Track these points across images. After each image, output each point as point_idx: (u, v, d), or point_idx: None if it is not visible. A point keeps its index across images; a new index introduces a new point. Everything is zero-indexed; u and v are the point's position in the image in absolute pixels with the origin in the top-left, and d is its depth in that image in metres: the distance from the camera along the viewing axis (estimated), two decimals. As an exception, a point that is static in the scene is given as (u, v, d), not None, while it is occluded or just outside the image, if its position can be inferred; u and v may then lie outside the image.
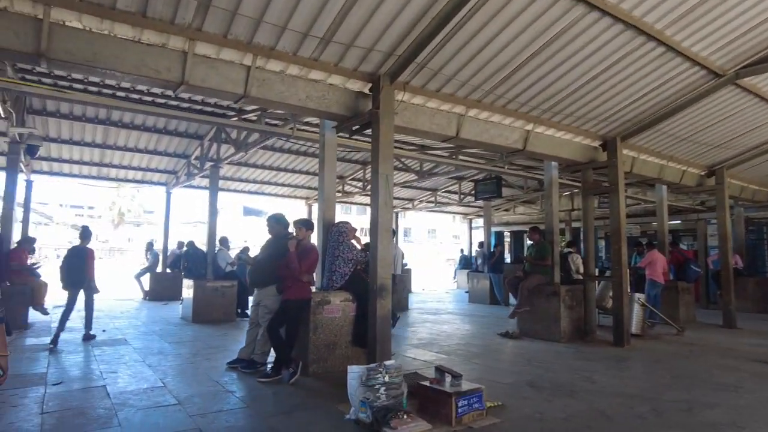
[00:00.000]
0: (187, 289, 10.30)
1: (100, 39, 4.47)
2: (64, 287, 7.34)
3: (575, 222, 19.22)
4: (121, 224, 54.89)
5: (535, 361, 6.54)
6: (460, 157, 11.31)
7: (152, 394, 4.74)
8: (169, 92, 7.85)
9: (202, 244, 11.81)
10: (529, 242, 9.24)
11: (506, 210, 20.32)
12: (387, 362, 4.07)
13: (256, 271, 6.00)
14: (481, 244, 16.35)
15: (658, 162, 9.50)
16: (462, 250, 21.81)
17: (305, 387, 5.11)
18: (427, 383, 4.23)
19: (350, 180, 14.86)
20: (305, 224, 5.76)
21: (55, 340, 6.89)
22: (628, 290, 9.14)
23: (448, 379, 4.15)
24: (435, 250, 62.89)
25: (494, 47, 5.58)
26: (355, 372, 4.01)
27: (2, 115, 7.58)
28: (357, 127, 5.90)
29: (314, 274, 5.90)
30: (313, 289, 5.90)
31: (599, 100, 7.07)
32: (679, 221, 17.03)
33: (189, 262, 11.18)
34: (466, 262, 19.14)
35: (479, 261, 15.69)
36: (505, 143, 7.18)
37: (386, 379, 3.91)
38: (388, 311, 5.42)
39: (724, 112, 8.19)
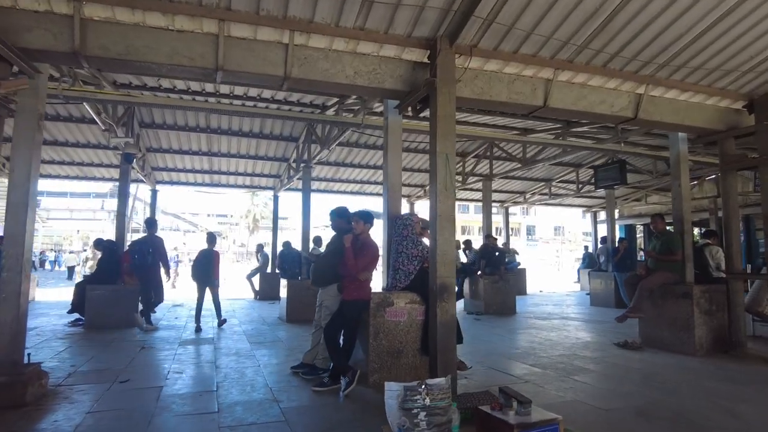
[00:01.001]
0: (283, 288, 10.34)
1: (132, 31, 4.33)
2: (195, 282, 8.63)
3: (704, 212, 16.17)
4: (257, 230, 59.61)
5: (655, 380, 5.18)
6: (569, 138, 9.94)
7: (199, 399, 4.48)
8: (267, 94, 7.90)
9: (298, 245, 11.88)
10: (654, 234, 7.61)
11: (637, 200, 17.80)
12: (431, 381, 3.26)
13: (318, 269, 5.54)
14: (604, 240, 14.41)
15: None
16: (586, 248, 19.66)
17: (360, 399, 4.49)
18: (487, 408, 3.35)
19: (450, 174, 13.99)
20: (364, 216, 5.14)
21: (198, 328, 8.28)
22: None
23: (514, 404, 3.23)
24: (561, 248, 58.72)
25: (579, -13, 4.47)
26: (393, 390, 3.27)
27: (102, 127, 8.16)
28: (419, 104, 5.14)
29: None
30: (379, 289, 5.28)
31: (738, 45, 5.42)
32: None
33: (284, 262, 11.28)
34: (590, 261, 17.09)
35: (602, 259, 13.79)
36: (609, 111, 5.88)
37: (427, 402, 3.12)
38: (453, 316, 4.57)
39: None
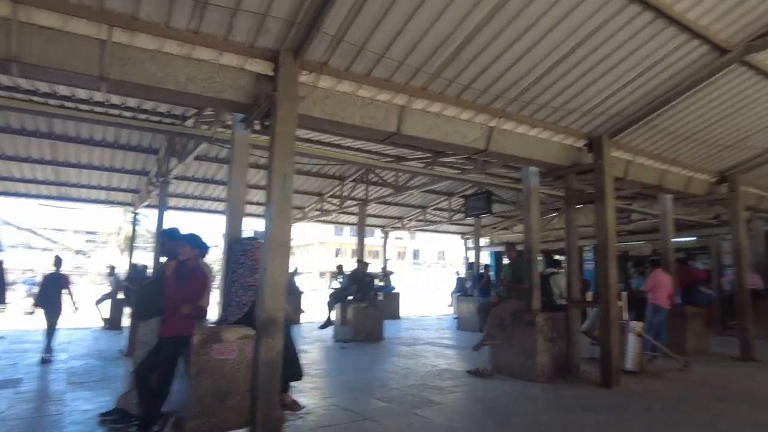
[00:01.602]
0: (127, 317, 9.17)
1: None
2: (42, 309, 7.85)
3: (585, 240, 17.82)
4: (129, 249, 54.32)
5: (498, 411, 5.20)
6: (437, 168, 10.16)
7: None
8: (116, 100, 6.94)
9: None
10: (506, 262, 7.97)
11: (505, 228, 18.93)
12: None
13: (140, 299, 4.83)
14: (471, 266, 15.00)
15: (658, 166, 8.16)
16: (458, 273, 20.41)
17: (170, 454, 3.87)
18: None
19: (329, 197, 13.70)
20: (190, 240, 4.56)
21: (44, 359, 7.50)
22: (624, 317, 7.81)
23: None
24: (442, 272, 61.23)
25: (429, 14, 4.45)
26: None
27: None
28: (266, 119, 4.75)
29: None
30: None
31: (578, 86, 5.85)
32: (694, 237, 15.51)
33: (130, 287, 10.06)
34: (461, 286, 17.74)
35: (469, 284, 14.31)
36: (462, 142, 5.97)
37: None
38: (278, 353, 4.15)
39: (733, 103, 6.88)
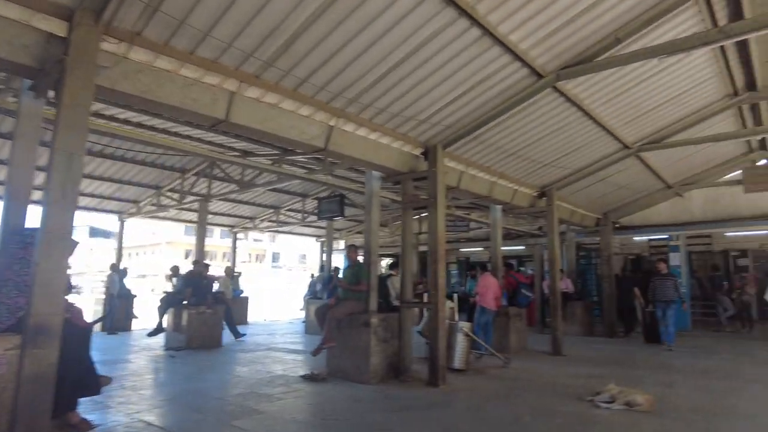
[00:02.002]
0: None
1: None
2: None
3: (424, 246, 18.82)
4: None
5: (323, 416, 5.05)
6: (285, 166, 9.82)
7: None
8: None
9: None
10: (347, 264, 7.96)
11: (359, 232, 19.24)
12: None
13: None
14: (322, 268, 14.88)
15: (488, 179, 8.84)
16: (312, 276, 20.17)
17: None
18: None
19: (168, 191, 12.50)
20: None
21: None
22: (455, 318, 8.27)
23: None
24: (302, 275, 60.58)
25: (254, -5, 4.15)
26: None
27: None
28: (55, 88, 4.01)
29: None
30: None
31: (413, 95, 6.01)
32: (523, 246, 17.29)
33: None
34: (313, 289, 17.50)
35: (319, 287, 14.16)
36: (300, 138, 5.75)
37: None
38: (49, 367, 3.48)
39: (550, 125, 7.72)
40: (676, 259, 13.77)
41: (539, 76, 6.15)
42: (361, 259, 7.54)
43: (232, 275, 14.78)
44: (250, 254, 60.92)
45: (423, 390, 6.37)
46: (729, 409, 5.40)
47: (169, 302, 10.19)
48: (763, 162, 12.17)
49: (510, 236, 16.98)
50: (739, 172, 11.67)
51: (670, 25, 5.97)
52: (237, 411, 5.15)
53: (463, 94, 6.19)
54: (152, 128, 7.65)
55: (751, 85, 8.13)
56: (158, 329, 9.89)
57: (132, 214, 14.18)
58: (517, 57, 5.70)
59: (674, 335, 10.10)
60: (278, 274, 60.60)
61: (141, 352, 9.22)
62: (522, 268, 19.75)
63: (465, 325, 7.80)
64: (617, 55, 5.83)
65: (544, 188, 10.12)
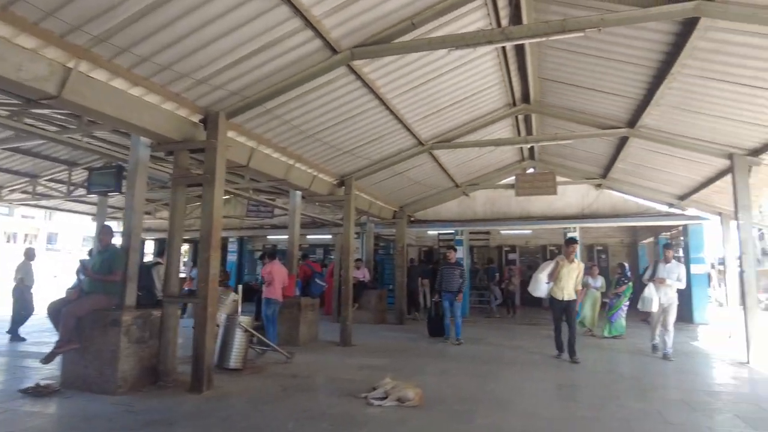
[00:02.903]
0: None
1: None
2: None
3: (231, 231, 17.44)
4: None
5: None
6: (27, 121, 7.70)
7: None
8: None
9: None
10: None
11: (147, 213, 16.87)
12: None
13: None
14: (90, 252, 12.48)
15: (285, 161, 8.18)
16: (81, 261, 17.04)
17: None
18: None
19: None
20: None
21: None
22: (238, 311, 7.45)
23: None
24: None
25: None
26: None
27: None
28: None
29: None
30: None
31: (186, 46, 4.97)
32: (329, 235, 17.15)
33: None
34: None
35: (81, 275, 11.79)
36: (15, 77, 4.26)
37: None
38: None
39: (348, 110, 7.38)
40: (460, 252, 15.05)
41: (334, 51, 5.67)
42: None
43: None
44: (15, 233, 50.50)
45: (181, 398, 5.42)
46: (489, 395, 5.68)
47: None
48: (531, 170, 13.95)
49: (316, 225, 16.71)
50: (513, 177, 13.11)
51: (463, 21, 6.07)
52: None
53: (249, 57, 5.37)
54: None
55: (526, 97, 9.00)
56: None
57: None
58: (309, 24, 5.10)
59: (461, 328, 9.65)
60: (55, 258, 51.32)
61: None
62: (327, 256, 19.76)
63: (244, 320, 7.03)
64: (411, 40, 5.68)
65: (344, 177, 9.88)
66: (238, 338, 6.89)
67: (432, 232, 19.48)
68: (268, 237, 19.99)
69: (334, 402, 5.34)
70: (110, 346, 5.53)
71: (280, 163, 8.03)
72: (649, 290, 8.04)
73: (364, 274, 13.79)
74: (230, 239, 17.97)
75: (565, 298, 7.80)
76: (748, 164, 7.99)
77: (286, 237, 21.00)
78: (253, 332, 7.10)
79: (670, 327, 7.97)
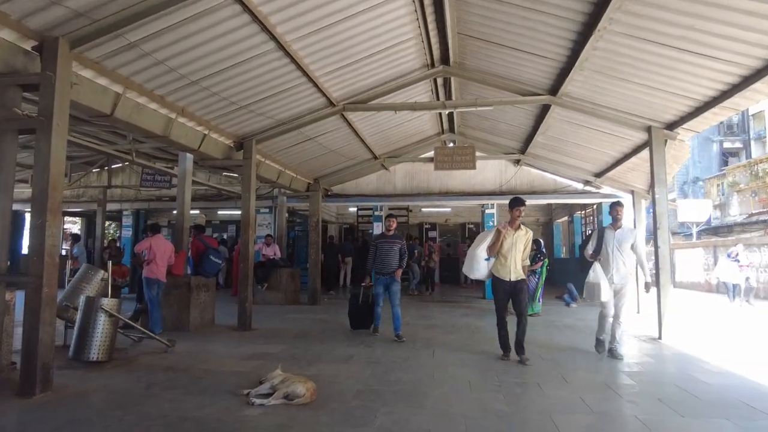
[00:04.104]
0: None
1: None
2: None
3: (125, 202, 15.51)
4: None
5: None
6: None
7: None
8: None
9: None
10: None
11: (23, 181, 14.55)
12: None
13: None
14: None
15: (165, 113, 6.85)
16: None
17: None
18: None
19: None
20: None
21: None
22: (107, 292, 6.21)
23: None
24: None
25: None
26: None
27: None
28: None
29: None
30: None
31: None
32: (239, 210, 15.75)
33: None
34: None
35: None
36: None
37: None
38: None
39: (238, 52, 6.09)
40: (377, 228, 14.34)
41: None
42: None
43: None
44: None
45: (3, 403, 4.19)
46: (394, 387, 4.92)
47: None
48: (450, 145, 13.43)
49: (222, 197, 15.30)
50: (432, 152, 12.48)
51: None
52: None
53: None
54: None
55: (445, 59, 8.26)
56: None
57: None
58: None
59: (401, 319, 7.52)
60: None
61: None
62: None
63: (109, 303, 5.79)
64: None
65: (243, 139, 8.66)
66: (101, 325, 5.66)
67: (353, 209, 18.68)
68: (173, 212, 18.22)
69: (206, 402, 4.34)
70: None
71: (157, 115, 6.69)
72: (595, 273, 6.07)
73: (275, 251, 12.71)
74: (124, 212, 16.04)
75: (512, 278, 5.89)
76: (664, 137, 7.82)
77: (194, 212, 19.50)
78: (119, 316, 5.87)
79: (623, 316, 6.13)
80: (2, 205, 4.74)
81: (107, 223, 17.99)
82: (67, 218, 19.30)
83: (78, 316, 5.75)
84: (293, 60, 6.63)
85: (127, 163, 13.90)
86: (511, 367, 5.78)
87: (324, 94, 7.98)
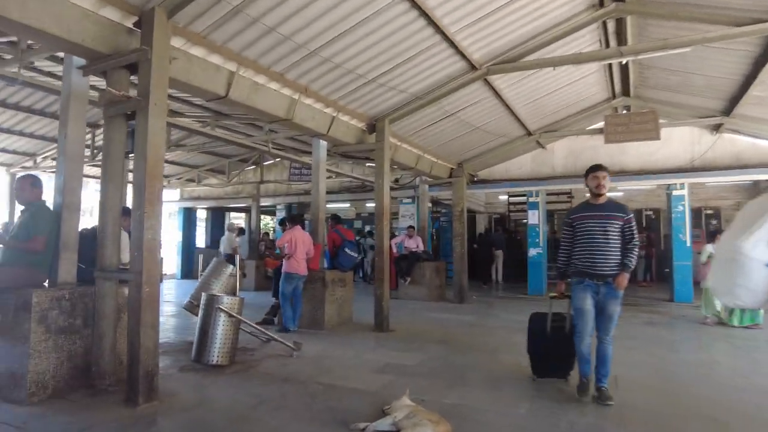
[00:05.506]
0: None
1: None
2: None
3: (277, 197, 16.09)
4: None
5: None
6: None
7: None
8: None
9: None
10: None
11: (191, 180, 15.95)
12: None
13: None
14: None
15: (286, 94, 6.23)
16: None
17: None
18: None
19: None
20: None
21: None
22: (237, 291, 5.84)
23: None
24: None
25: None
26: None
27: None
28: None
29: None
30: None
31: None
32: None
33: None
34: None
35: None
36: None
37: None
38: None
39: (358, 6, 5.24)
40: (534, 217, 12.54)
41: None
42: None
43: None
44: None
45: (107, 413, 3.80)
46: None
47: None
48: (624, 112, 11.05)
49: (366, 189, 14.88)
50: (601, 123, 10.35)
51: None
52: None
53: None
54: None
55: (618, -7, 6.37)
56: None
57: None
58: None
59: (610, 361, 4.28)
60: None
61: None
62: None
63: (230, 302, 5.33)
64: None
65: (374, 119, 7.79)
66: (221, 326, 5.22)
67: (503, 197, 16.99)
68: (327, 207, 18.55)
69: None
70: (20, 338, 4.03)
71: (278, 96, 6.11)
72: None
73: (417, 244, 11.82)
74: (278, 206, 16.68)
75: None
76: None
77: (345, 206, 19.58)
78: (241, 318, 5.38)
79: None
80: (112, 196, 4.44)
81: (262, 217, 18.98)
82: (233, 214, 20.92)
83: (199, 315, 5.40)
84: (423, 13, 5.48)
85: (277, 159, 14.29)
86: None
87: (463, 56, 6.68)
